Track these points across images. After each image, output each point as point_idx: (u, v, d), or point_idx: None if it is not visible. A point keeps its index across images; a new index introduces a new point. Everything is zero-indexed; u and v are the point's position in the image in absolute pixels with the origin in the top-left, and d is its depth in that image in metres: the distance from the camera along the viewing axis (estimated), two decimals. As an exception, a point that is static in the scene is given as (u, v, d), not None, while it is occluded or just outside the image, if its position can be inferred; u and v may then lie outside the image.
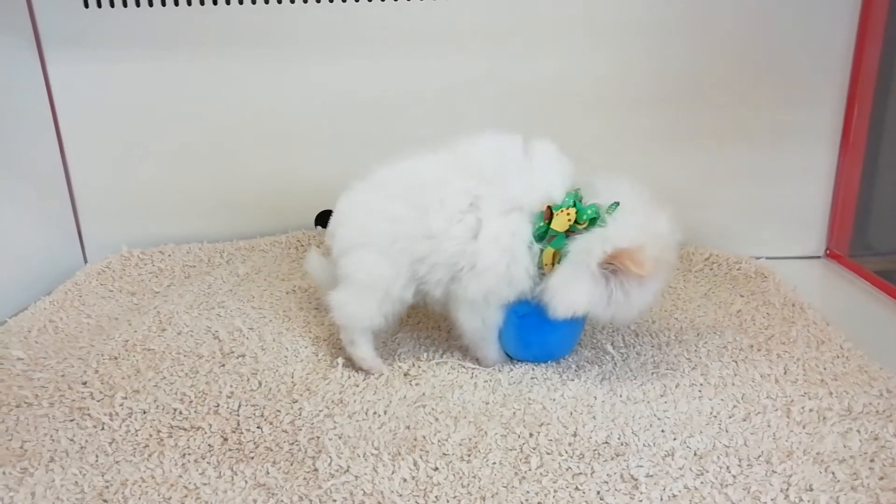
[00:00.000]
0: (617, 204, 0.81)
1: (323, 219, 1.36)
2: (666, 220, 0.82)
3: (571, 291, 0.80)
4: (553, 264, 0.83)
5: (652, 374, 0.90)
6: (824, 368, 0.90)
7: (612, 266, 0.78)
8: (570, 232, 0.81)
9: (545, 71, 1.27)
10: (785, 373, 0.89)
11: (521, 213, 0.83)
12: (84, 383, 0.87)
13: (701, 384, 0.87)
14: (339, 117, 1.31)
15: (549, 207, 0.82)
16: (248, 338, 0.99)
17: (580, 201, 0.83)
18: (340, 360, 0.92)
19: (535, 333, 0.90)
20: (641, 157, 1.31)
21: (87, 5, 1.23)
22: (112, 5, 1.23)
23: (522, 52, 1.26)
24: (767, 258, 1.27)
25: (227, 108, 1.31)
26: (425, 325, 1.04)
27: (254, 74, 1.28)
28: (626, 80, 1.27)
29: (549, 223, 0.82)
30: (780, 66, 1.25)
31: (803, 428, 0.77)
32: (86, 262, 1.35)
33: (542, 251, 0.83)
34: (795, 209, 1.33)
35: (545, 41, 1.25)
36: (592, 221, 0.81)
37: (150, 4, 1.23)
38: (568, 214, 0.81)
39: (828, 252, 1.34)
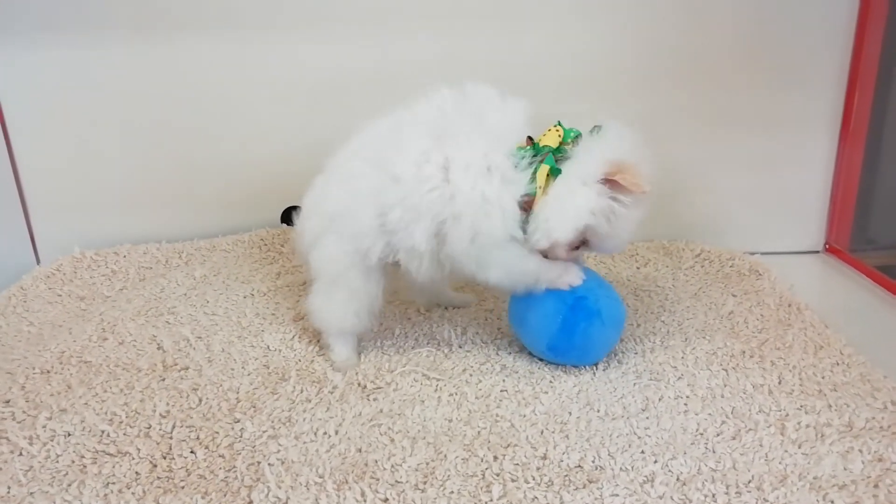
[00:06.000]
0: (599, 127, 0.78)
1: (289, 215, 1.28)
2: (647, 155, 0.78)
3: (573, 201, 0.75)
4: (546, 186, 0.76)
5: (634, 385, 0.82)
6: (822, 377, 0.82)
7: (609, 182, 0.75)
8: (557, 156, 0.77)
9: (526, 49, 1.18)
10: (780, 382, 0.81)
11: (491, 138, 0.77)
12: (7, 402, 0.79)
13: (687, 396, 0.79)
14: (305, 106, 1.22)
15: (528, 137, 0.78)
16: (194, 348, 0.90)
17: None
18: (293, 372, 0.85)
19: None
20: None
21: (31, -13, 1.14)
22: (59, -12, 1.14)
23: (504, 28, 1.17)
24: (763, 254, 1.19)
25: (186, 96, 1.22)
26: (391, 331, 0.96)
27: (213, 59, 1.20)
28: (611, 60, 1.18)
29: (535, 145, 0.78)
30: (776, 45, 1.16)
31: (799, 447, 0.70)
32: (38, 263, 1.27)
33: (535, 171, 0.76)
34: (792, 201, 1.25)
35: (527, 17, 1.16)
36: (577, 139, 0.78)
37: (101, -13, 1.14)
38: (557, 131, 0.78)
39: (827, 246, 1.26)
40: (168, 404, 0.78)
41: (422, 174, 0.77)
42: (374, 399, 0.80)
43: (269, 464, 0.68)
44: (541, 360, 0.88)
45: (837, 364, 0.84)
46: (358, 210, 0.80)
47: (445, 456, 0.69)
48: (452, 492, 0.64)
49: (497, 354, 0.89)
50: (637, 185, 0.74)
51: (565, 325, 0.82)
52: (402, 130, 0.80)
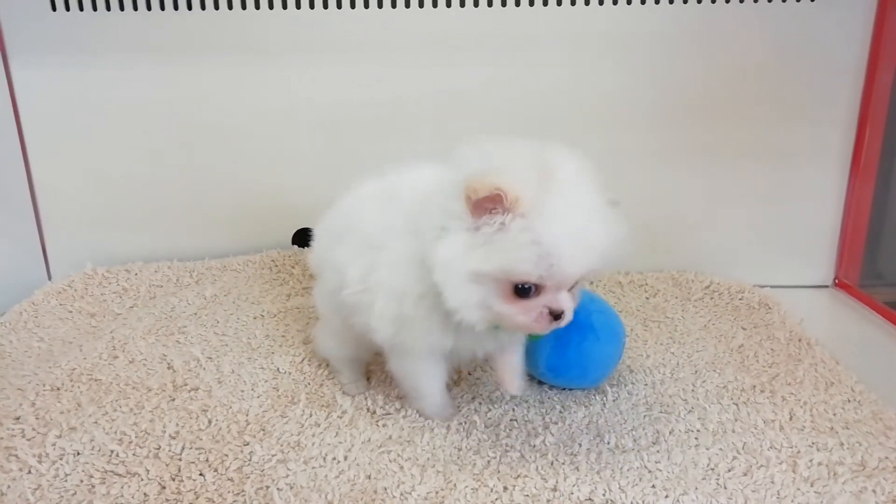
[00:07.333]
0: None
1: (300, 237, 1.28)
2: (531, 149, 0.68)
3: (444, 246, 0.66)
4: None
5: (644, 417, 0.81)
6: (834, 414, 0.81)
7: (477, 209, 0.64)
8: None
9: (545, 84, 1.19)
10: (791, 419, 0.81)
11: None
12: (17, 418, 0.79)
13: (698, 430, 0.79)
14: (320, 128, 1.23)
15: None
16: (204, 368, 0.91)
17: None
18: (303, 396, 0.84)
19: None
20: (641, 176, 1.23)
21: (54, 8, 1.16)
22: (81, 9, 1.16)
23: (522, 63, 1.18)
24: (772, 287, 1.19)
25: (201, 118, 1.23)
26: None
27: (229, 83, 1.21)
28: (628, 95, 1.19)
29: None
30: (788, 82, 1.17)
31: (811, 486, 0.69)
32: (50, 279, 1.27)
33: None
34: (802, 235, 1.25)
35: (546, 53, 1.17)
36: None
37: (122, 9, 1.16)
38: None
39: (836, 281, 1.26)
40: (178, 425, 0.78)
41: (355, 264, 0.75)
42: (384, 425, 0.80)
43: (277, 488, 0.68)
44: (550, 388, 0.87)
45: (849, 401, 0.84)
46: (325, 282, 0.84)
47: (455, 485, 0.69)
48: (462, 522, 0.64)
49: (507, 382, 0.89)
50: (488, 186, 0.62)
51: (559, 343, 0.82)
52: (362, 209, 0.78)
